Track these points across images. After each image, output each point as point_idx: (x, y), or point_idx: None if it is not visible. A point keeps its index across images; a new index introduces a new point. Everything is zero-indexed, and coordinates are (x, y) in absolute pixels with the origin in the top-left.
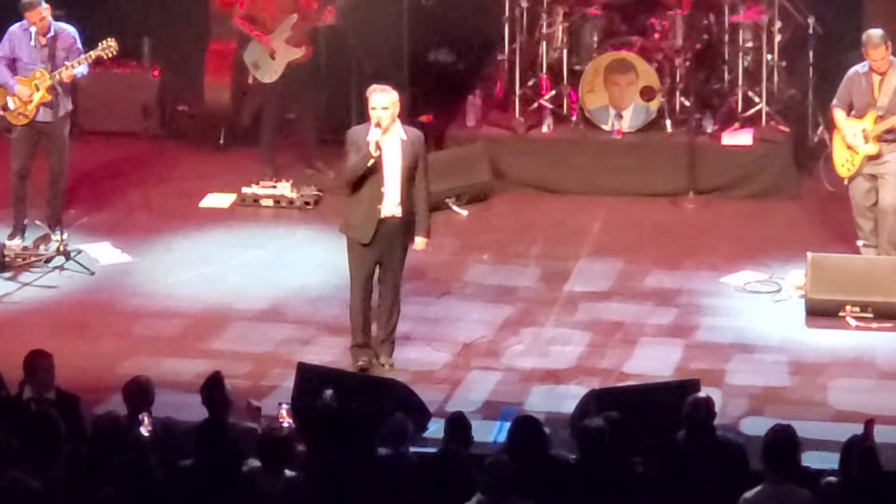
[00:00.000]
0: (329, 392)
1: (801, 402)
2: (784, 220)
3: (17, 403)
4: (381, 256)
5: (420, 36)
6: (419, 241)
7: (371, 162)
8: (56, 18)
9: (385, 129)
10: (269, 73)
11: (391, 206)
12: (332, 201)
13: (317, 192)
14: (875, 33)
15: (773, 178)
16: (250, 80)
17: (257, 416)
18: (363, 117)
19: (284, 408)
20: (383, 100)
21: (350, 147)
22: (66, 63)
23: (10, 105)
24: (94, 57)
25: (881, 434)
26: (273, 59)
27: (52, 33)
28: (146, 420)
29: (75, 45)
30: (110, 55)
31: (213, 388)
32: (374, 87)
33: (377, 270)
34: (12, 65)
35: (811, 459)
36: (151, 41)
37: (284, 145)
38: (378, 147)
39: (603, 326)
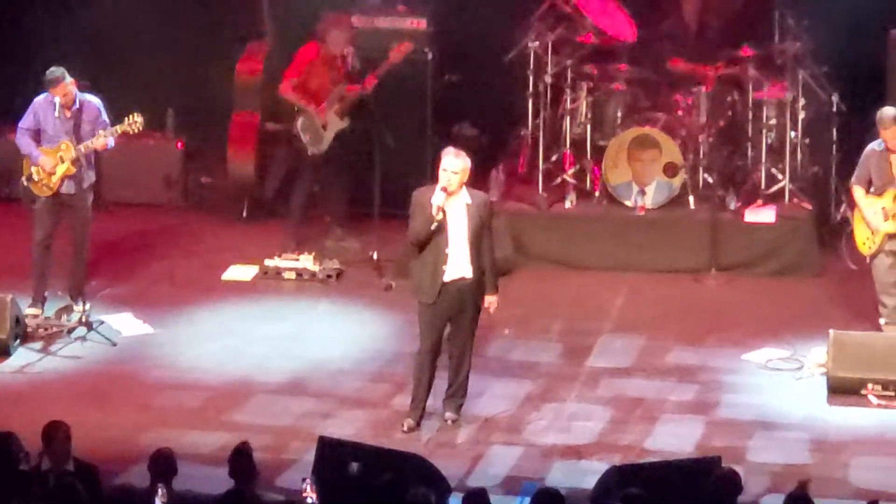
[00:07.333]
0: (355, 464)
1: (823, 480)
2: (806, 297)
3: (36, 475)
4: (451, 317)
5: (444, 110)
6: (488, 300)
7: (434, 225)
8: (80, 89)
9: (450, 194)
10: (320, 144)
11: (457, 267)
12: (355, 275)
13: (339, 266)
14: (887, 113)
15: (796, 256)
16: (310, 153)
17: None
18: (386, 191)
19: (308, 483)
20: (455, 164)
21: (415, 208)
22: (96, 134)
23: (35, 176)
24: (119, 132)
25: None
26: (325, 130)
27: (77, 105)
28: (161, 491)
29: (100, 118)
30: (136, 130)
31: (240, 458)
32: (450, 149)
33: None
34: (37, 136)
35: None
36: (175, 112)
37: (308, 217)
38: (441, 210)
39: (624, 402)
